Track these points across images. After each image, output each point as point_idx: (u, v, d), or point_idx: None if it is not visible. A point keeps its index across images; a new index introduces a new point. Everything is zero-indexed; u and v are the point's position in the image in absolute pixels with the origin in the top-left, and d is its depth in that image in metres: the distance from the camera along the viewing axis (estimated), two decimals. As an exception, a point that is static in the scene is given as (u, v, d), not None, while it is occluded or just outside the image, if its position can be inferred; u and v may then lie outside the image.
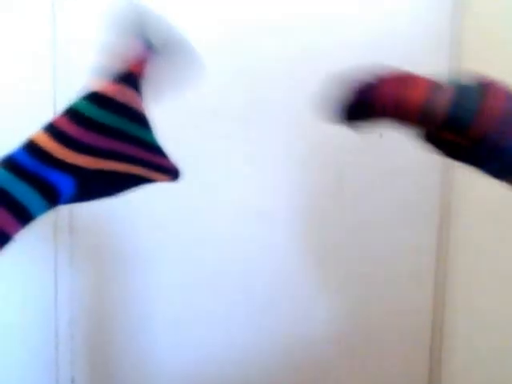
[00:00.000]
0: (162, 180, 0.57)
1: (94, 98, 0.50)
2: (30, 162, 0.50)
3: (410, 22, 1.07)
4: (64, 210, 1.04)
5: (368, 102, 0.46)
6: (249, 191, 1.08)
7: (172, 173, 0.57)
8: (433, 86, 0.45)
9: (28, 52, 1.00)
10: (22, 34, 0.99)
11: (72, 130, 0.49)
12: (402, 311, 1.14)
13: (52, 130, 0.50)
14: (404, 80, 0.46)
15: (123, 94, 0.51)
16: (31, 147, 0.50)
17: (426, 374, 1.16)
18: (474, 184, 0.84)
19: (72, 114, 0.50)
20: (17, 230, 0.51)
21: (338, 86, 0.48)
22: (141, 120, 0.53)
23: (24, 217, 0.50)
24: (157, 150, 0.55)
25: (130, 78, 0.52)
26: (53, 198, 0.51)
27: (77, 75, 0.94)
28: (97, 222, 1.06)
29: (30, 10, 0.99)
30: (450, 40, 1.08)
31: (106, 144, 0.51)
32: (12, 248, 0.51)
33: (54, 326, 1.07)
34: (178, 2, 1.02)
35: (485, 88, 0.45)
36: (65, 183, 0.51)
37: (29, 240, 1.01)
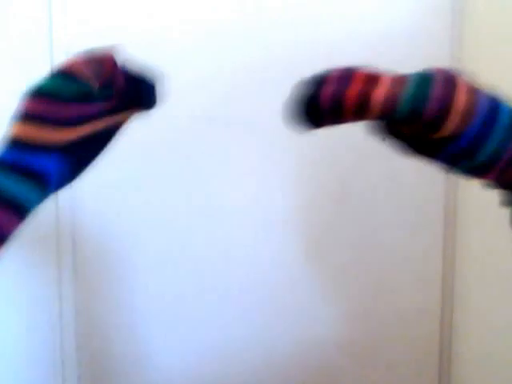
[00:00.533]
0: (130, 116, 0.58)
1: (52, 73, 0.51)
2: (9, 154, 0.50)
3: (409, 20, 1.07)
4: (67, 217, 1.04)
5: (315, 104, 0.47)
6: (249, 195, 1.08)
7: (146, 101, 0.57)
8: (374, 79, 0.46)
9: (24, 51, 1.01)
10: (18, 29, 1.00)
11: (36, 107, 0.50)
12: (410, 315, 1.13)
13: (20, 114, 0.50)
14: (345, 77, 0.47)
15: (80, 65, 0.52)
16: (8, 140, 0.51)
17: (436, 378, 1.15)
18: (479, 186, 0.84)
19: (36, 92, 0.50)
20: (14, 227, 0.50)
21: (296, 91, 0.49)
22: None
23: (19, 211, 0.50)
24: (122, 95, 0.55)
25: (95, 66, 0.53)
26: (43, 184, 0.51)
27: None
28: (99, 226, 1.07)
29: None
30: (451, 41, 1.07)
31: (72, 112, 0.51)
32: (15, 252, 0.50)
33: (60, 328, 1.08)
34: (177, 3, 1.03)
35: (436, 78, 0.45)
36: (50, 164, 0.51)
37: (31, 245, 1.02)
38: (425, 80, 0.45)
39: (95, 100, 0.52)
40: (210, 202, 1.07)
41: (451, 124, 0.44)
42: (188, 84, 1.00)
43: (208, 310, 1.10)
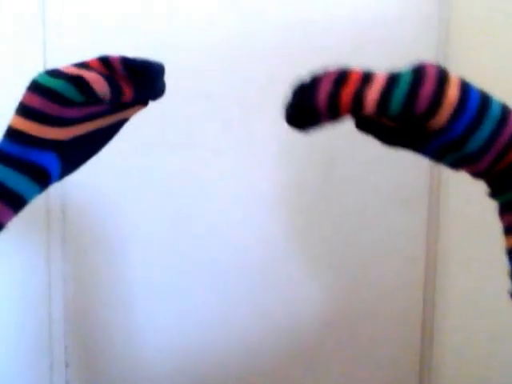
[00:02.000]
0: (134, 113, 0.58)
1: (57, 72, 0.51)
2: (10, 147, 0.50)
3: (398, 6, 1.07)
4: (56, 200, 1.04)
5: (306, 106, 0.48)
6: (236, 177, 1.08)
7: (143, 98, 0.57)
8: (368, 78, 0.47)
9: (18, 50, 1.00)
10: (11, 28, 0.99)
11: (44, 105, 0.50)
12: (393, 291, 1.15)
13: (23, 109, 0.51)
14: (339, 78, 0.48)
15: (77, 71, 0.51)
16: (9, 132, 0.51)
17: (418, 353, 1.17)
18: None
19: (40, 89, 0.50)
20: (9, 217, 0.51)
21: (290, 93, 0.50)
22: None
23: (15, 202, 0.50)
24: (117, 94, 0.54)
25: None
26: (41, 177, 0.52)
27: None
28: (89, 211, 1.07)
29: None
30: (438, 26, 1.07)
31: (75, 112, 0.51)
32: (4, 236, 0.51)
33: (48, 312, 1.08)
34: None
35: (426, 73, 0.45)
36: (48, 160, 0.51)
37: (21, 229, 1.02)
38: (415, 76, 0.45)
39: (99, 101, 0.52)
40: (197, 181, 1.08)
41: (442, 118, 0.45)
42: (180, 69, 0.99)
43: (195, 288, 1.11)
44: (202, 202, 1.08)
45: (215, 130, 1.06)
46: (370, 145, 0.51)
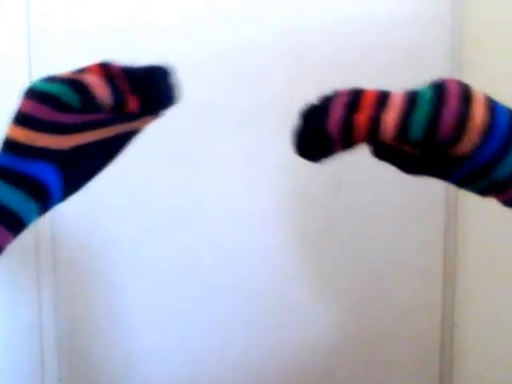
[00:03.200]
0: (144, 124, 0.53)
1: (52, 78, 0.47)
2: (5, 160, 0.46)
3: (410, 10, 1.05)
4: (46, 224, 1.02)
5: (317, 134, 0.45)
6: (242, 190, 1.06)
7: (152, 111, 0.52)
8: (382, 100, 0.43)
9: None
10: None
11: (37, 111, 0.45)
12: (410, 311, 1.12)
13: (18, 116, 0.46)
14: (351, 102, 0.44)
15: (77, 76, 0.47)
16: (4, 143, 0.47)
17: (437, 376, 1.13)
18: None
19: (34, 94, 0.46)
20: (8, 240, 0.46)
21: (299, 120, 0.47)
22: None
23: (11, 222, 0.46)
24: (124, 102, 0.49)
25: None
26: (40, 194, 0.47)
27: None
28: (79, 223, 1.05)
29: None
30: (452, 31, 1.05)
31: (72, 118, 0.46)
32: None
33: (39, 328, 1.06)
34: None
35: (448, 91, 0.42)
36: (44, 173, 0.46)
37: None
38: (436, 95, 0.42)
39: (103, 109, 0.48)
40: (198, 199, 1.05)
41: (468, 141, 0.41)
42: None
43: (196, 308, 1.08)
44: (203, 221, 1.06)
45: (217, 144, 1.04)
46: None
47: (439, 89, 0.42)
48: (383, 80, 1.02)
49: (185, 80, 0.92)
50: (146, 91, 0.49)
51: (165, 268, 1.06)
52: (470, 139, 0.41)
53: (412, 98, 0.42)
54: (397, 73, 1.03)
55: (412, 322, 1.12)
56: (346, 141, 0.45)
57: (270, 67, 1.03)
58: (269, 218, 1.07)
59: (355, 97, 0.44)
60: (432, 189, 1.08)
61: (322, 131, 0.44)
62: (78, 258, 1.05)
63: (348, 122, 0.43)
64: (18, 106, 0.46)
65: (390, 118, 0.42)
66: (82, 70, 0.48)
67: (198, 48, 1.01)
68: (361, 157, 1.05)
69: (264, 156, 1.05)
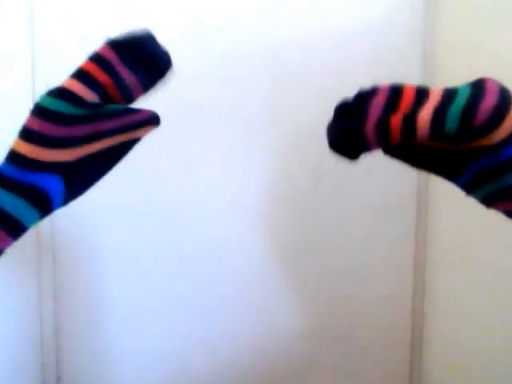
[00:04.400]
0: (145, 132, 0.54)
1: (56, 92, 0.48)
2: (11, 171, 0.48)
3: (381, 25, 1.08)
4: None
5: (358, 133, 0.44)
6: (224, 183, 1.08)
7: (150, 121, 0.53)
8: (421, 97, 0.43)
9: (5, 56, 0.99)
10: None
11: (40, 127, 0.47)
12: (382, 301, 1.15)
13: (23, 132, 0.48)
14: (391, 101, 0.44)
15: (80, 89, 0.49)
16: (10, 156, 0.49)
17: (407, 364, 1.17)
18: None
19: (37, 110, 0.48)
20: (7, 244, 0.49)
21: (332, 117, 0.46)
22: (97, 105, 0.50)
23: (14, 228, 0.48)
24: (125, 111, 0.51)
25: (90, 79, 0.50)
26: (43, 203, 0.49)
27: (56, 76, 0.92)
28: (76, 222, 1.05)
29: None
30: (424, 39, 1.08)
31: (77, 131, 0.48)
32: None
33: (39, 327, 1.06)
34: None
35: (487, 84, 0.42)
36: (49, 183, 0.49)
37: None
38: (475, 87, 0.42)
39: (105, 118, 0.49)
40: (185, 190, 1.07)
41: (504, 131, 0.41)
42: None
43: (189, 302, 1.10)
44: (192, 215, 1.07)
45: (203, 140, 1.06)
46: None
47: (478, 82, 0.42)
48: (360, 84, 1.06)
49: (181, 84, 0.95)
50: (141, 61, 0.50)
51: (158, 264, 1.08)
52: (506, 128, 0.41)
53: (450, 92, 0.42)
54: (372, 81, 1.06)
55: (383, 312, 1.14)
56: (383, 141, 0.44)
57: (257, 72, 1.05)
58: (254, 212, 1.09)
59: (394, 95, 0.44)
60: (404, 187, 1.12)
61: (358, 133, 0.44)
62: (77, 258, 1.06)
63: (385, 125, 0.43)
64: (24, 122, 0.49)
65: (426, 111, 0.41)
66: (79, 71, 0.50)
67: (193, 56, 1.02)
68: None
69: (251, 153, 1.07)
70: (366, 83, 0.47)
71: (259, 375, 1.13)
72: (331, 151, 0.47)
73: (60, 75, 0.51)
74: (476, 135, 0.41)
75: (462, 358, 1.09)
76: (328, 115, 0.49)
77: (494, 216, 0.49)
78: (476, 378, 1.06)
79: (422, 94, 0.43)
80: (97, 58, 0.50)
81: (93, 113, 0.48)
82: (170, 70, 0.53)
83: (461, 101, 0.41)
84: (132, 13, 1.01)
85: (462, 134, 0.41)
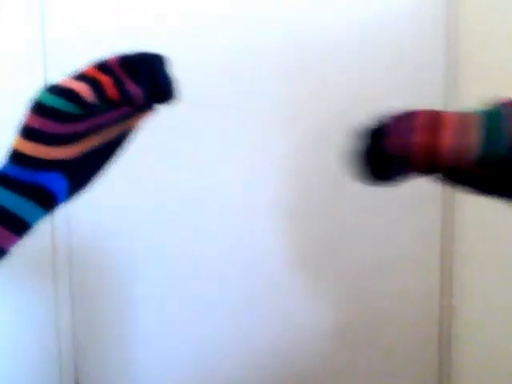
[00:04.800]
0: (139, 120, 0.53)
1: (55, 89, 0.47)
2: (13, 171, 0.48)
3: (404, 13, 1.06)
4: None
5: (379, 158, 0.44)
6: (240, 182, 1.07)
7: (142, 108, 0.52)
8: (450, 122, 0.42)
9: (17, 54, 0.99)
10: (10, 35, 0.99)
11: (41, 124, 0.47)
12: (409, 299, 1.13)
13: (23, 130, 0.48)
14: (406, 125, 0.43)
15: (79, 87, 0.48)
16: (12, 155, 0.48)
17: (436, 363, 1.15)
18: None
19: (37, 108, 0.47)
20: (13, 242, 0.49)
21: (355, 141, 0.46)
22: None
23: (19, 227, 0.48)
24: (124, 103, 0.50)
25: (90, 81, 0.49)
26: (47, 201, 0.49)
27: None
28: (94, 230, 1.05)
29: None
30: (447, 30, 1.06)
31: (76, 127, 0.48)
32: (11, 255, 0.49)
33: (56, 332, 1.07)
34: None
35: (509, 109, 0.41)
36: (53, 181, 0.49)
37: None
38: (495, 115, 0.41)
39: (101, 112, 0.49)
40: (205, 198, 1.06)
41: None
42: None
43: (199, 307, 1.10)
44: (207, 218, 1.07)
45: (218, 139, 1.05)
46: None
47: (496, 108, 0.42)
48: (381, 78, 1.05)
49: (189, 80, 0.94)
50: (140, 73, 0.49)
51: (177, 266, 1.08)
52: None
53: (469, 120, 0.41)
54: (395, 72, 1.04)
55: (410, 310, 1.13)
56: (403, 165, 0.44)
57: (271, 69, 1.04)
58: (271, 210, 1.08)
59: (409, 120, 0.43)
60: (429, 181, 1.10)
61: (378, 156, 0.43)
62: (93, 263, 1.07)
63: (404, 147, 0.42)
64: (23, 119, 0.48)
65: (448, 142, 0.41)
66: (81, 73, 0.49)
67: (202, 51, 1.02)
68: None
69: (268, 151, 1.07)
70: (388, 78, 0.45)
71: (282, 376, 1.13)
72: (361, 179, 0.46)
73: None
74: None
75: (492, 354, 1.07)
76: (346, 110, 0.48)
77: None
78: (506, 374, 1.05)
79: (435, 117, 0.43)
80: (100, 64, 0.50)
81: (90, 111, 0.48)
82: (173, 99, 0.52)
83: (484, 133, 0.40)
84: (142, 12, 1.01)
85: (510, 160, 0.41)
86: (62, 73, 0.87)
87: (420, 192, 1.09)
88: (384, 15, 1.05)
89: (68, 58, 0.97)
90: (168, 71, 0.51)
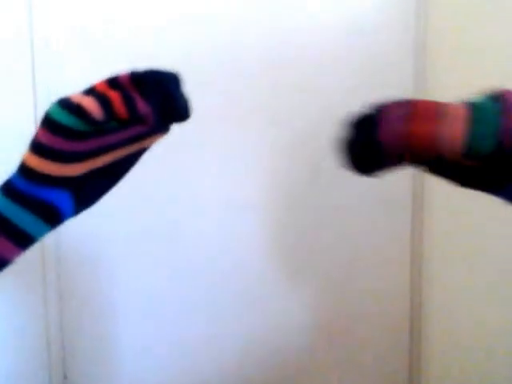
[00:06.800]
0: (152, 142, 0.52)
1: (67, 106, 0.46)
2: (21, 184, 0.48)
3: (375, 11, 1.09)
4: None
5: (374, 147, 0.41)
6: (223, 181, 1.09)
7: (157, 130, 0.51)
8: (440, 112, 0.41)
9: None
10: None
11: (50, 141, 0.46)
12: (381, 295, 1.16)
13: (33, 145, 0.48)
14: (404, 114, 0.41)
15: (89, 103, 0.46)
16: (21, 168, 0.48)
17: (407, 355, 1.19)
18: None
19: (48, 123, 0.47)
20: (16, 255, 0.49)
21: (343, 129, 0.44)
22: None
23: (24, 241, 0.49)
24: (133, 121, 0.48)
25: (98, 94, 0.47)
26: (52, 217, 0.49)
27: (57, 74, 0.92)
28: (82, 232, 1.03)
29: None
30: (415, 37, 1.10)
31: (85, 146, 0.47)
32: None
33: (45, 326, 1.07)
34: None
35: (501, 103, 0.40)
36: (59, 198, 0.49)
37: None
38: (493, 108, 0.40)
39: (112, 130, 0.48)
40: (183, 189, 1.08)
41: None
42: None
43: (183, 299, 1.11)
44: (193, 219, 1.09)
45: (200, 141, 1.07)
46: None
47: (495, 101, 0.40)
48: (354, 85, 1.07)
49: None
50: (152, 92, 0.48)
51: (162, 267, 1.09)
52: None
53: (467, 111, 0.40)
54: (366, 78, 1.07)
55: (383, 306, 1.16)
56: (399, 155, 0.42)
57: (255, 71, 1.06)
58: (254, 211, 1.10)
59: (407, 109, 0.41)
60: (400, 182, 1.13)
61: (373, 144, 0.41)
62: (79, 259, 1.07)
63: (402, 135, 0.40)
64: (35, 134, 0.48)
65: (456, 131, 0.39)
66: (91, 89, 0.48)
67: (195, 57, 1.04)
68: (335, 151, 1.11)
69: (249, 153, 1.09)
70: (365, 81, 0.46)
71: (263, 369, 1.15)
72: (349, 168, 0.44)
73: (60, 76, 0.49)
74: (507, 159, 0.40)
75: (461, 350, 1.10)
76: (325, 114, 0.46)
77: (489, 209, 0.49)
78: (474, 368, 1.07)
79: (435, 107, 0.41)
80: (111, 79, 0.48)
81: (100, 128, 0.48)
82: (186, 119, 0.50)
83: (490, 121, 0.39)
84: (130, 12, 1.02)
85: (498, 155, 0.39)
86: (49, 73, 0.85)
87: (391, 193, 1.14)
88: (358, 23, 1.08)
89: (56, 56, 0.99)
90: (181, 90, 0.49)
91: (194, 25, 1.04)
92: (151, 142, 0.52)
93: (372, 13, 1.09)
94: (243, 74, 1.06)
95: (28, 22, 0.99)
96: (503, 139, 0.38)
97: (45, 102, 0.93)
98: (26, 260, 1.03)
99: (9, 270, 0.98)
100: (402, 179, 1.13)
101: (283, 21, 1.07)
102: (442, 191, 1.07)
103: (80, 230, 1.05)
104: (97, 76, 0.49)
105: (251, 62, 1.06)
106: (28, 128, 0.56)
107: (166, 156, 1.04)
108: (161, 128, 0.51)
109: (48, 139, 0.46)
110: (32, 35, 1.00)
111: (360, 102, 0.46)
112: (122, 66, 0.51)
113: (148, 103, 0.47)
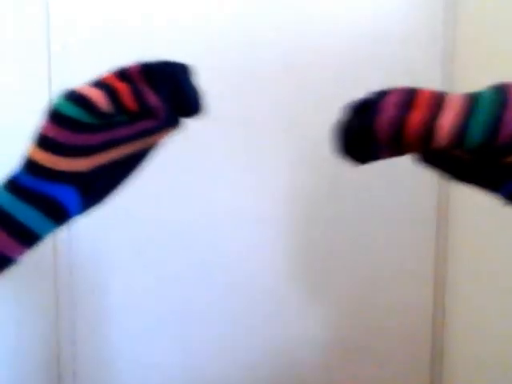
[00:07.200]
0: (162, 137, 0.50)
1: (74, 98, 0.45)
2: (26, 180, 0.46)
3: (402, 20, 1.08)
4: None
5: (369, 132, 0.40)
6: (239, 192, 1.08)
7: (166, 125, 0.48)
8: (440, 101, 0.40)
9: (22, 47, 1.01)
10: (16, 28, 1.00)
11: (57, 134, 0.45)
12: (402, 312, 1.14)
13: (39, 139, 0.46)
14: (404, 101, 0.40)
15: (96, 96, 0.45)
16: (26, 163, 0.47)
17: (428, 374, 1.16)
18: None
19: (54, 116, 0.45)
20: (21, 253, 0.47)
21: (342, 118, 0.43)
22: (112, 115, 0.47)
23: (28, 238, 0.47)
24: (143, 114, 0.47)
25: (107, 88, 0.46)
26: (57, 214, 0.47)
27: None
28: (93, 240, 1.06)
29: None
30: (443, 42, 1.08)
31: (93, 139, 0.45)
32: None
33: (55, 323, 1.08)
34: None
35: (503, 95, 0.39)
36: (64, 194, 0.47)
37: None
38: (496, 100, 0.39)
39: (120, 124, 0.46)
40: (202, 201, 1.07)
41: None
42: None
43: (192, 316, 1.11)
44: (206, 229, 1.08)
45: (217, 150, 1.06)
46: (378, 164, 0.47)
47: (499, 93, 0.39)
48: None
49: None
50: (169, 89, 0.46)
51: (173, 277, 1.09)
52: None
53: (471, 101, 0.39)
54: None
55: (404, 323, 1.14)
56: (395, 144, 0.40)
57: (272, 79, 1.06)
58: (269, 223, 1.09)
59: (408, 97, 0.41)
60: (424, 194, 1.11)
61: (368, 132, 0.40)
62: (91, 262, 1.08)
63: (399, 124, 0.39)
64: (40, 127, 0.46)
65: (447, 120, 0.38)
66: (99, 81, 0.47)
67: (209, 63, 1.03)
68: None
69: (266, 163, 1.08)
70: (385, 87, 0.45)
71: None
72: (339, 152, 0.42)
73: (77, 77, 0.49)
74: (500, 153, 0.39)
75: (484, 372, 1.07)
76: None
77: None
78: None
79: (439, 97, 0.40)
80: (120, 71, 0.47)
81: (108, 122, 0.46)
82: (198, 112, 0.48)
83: (483, 112, 0.38)
84: (147, 15, 1.03)
85: (485, 149, 0.39)
86: (66, 75, 0.86)
87: (415, 207, 1.11)
88: (382, 33, 1.07)
89: (73, 59, 1.00)
90: (193, 82, 0.48)
91: (210, 26, 1.04)
92: (161, 138, 0.50)
93: (399, 21, 1.08)
94: (261, 83, 1.06)
95: (45, 25, 1.00)
96: (503, 131, 0.37)
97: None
98: (38, 264, 1.05)
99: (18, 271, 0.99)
100: (426, 192, 1.11)
101: (309, 28, 1.06)
102: (467, 205, 1.05)
103: (93, 236, 1.07)
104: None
105: (270, 70, 1.06)
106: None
107: (180, 164, 1.06)
108: (171, 122, 0.48)
109: (55, 132, 0.45)
110: (49, 38, 1.00)
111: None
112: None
113: (158, 96, 0.46)
